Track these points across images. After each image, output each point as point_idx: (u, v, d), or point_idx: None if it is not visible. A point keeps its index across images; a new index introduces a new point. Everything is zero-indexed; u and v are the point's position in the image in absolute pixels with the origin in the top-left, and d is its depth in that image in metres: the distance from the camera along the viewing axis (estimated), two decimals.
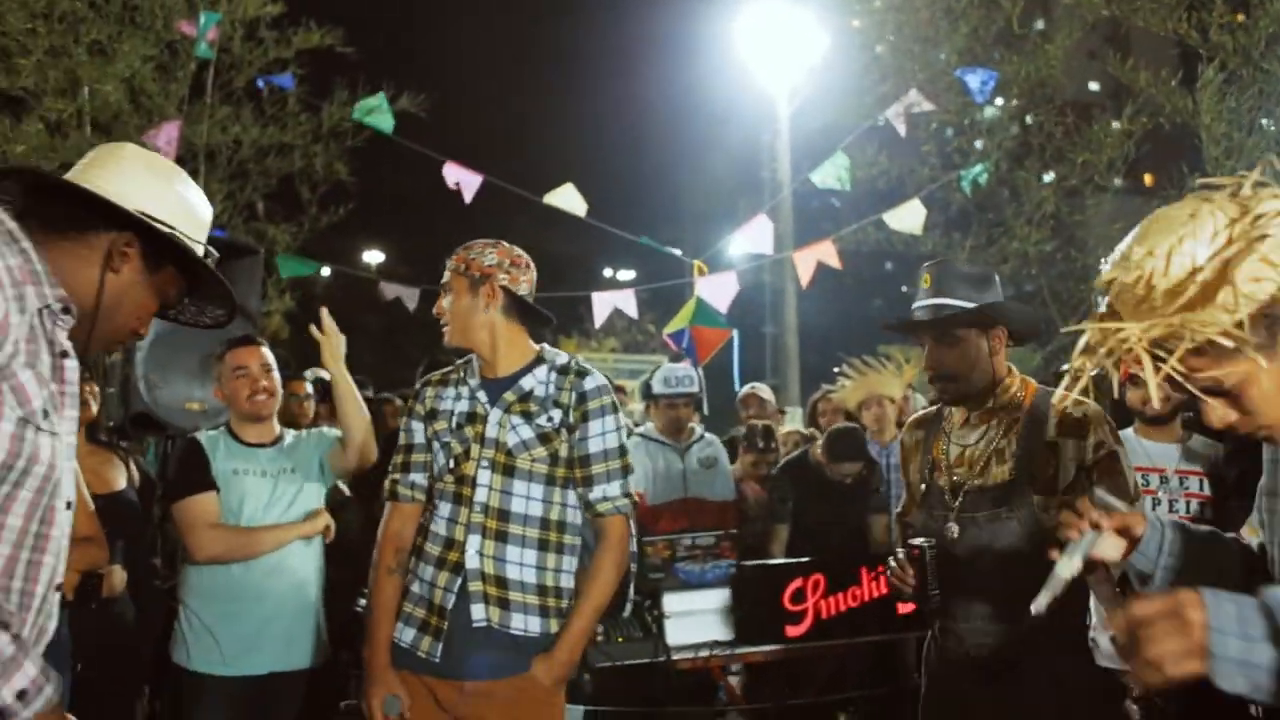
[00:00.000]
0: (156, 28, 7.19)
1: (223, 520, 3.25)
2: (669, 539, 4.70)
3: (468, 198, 6.92)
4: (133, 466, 3.83)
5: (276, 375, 3.45)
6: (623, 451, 2.68)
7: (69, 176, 1.58)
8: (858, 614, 4.32)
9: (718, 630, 4.26)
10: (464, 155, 7.03)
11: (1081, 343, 1.49)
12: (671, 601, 4.27)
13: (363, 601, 4.50)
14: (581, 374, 2.69)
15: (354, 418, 3.32)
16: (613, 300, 7.91)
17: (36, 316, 1.45)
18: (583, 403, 2.64)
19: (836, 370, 5.43)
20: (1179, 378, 1.43)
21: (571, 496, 2.67)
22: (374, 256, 20.32)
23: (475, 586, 2.57)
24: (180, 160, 6.64)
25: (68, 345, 1.52)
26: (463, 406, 2.70)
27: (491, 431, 2.63)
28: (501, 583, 2.57)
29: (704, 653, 4.18)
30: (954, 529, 2.58)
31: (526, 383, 2.68)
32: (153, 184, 1.61)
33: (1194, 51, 5.73)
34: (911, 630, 4.19)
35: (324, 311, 3.28)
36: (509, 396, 2.67)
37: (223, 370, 3.41)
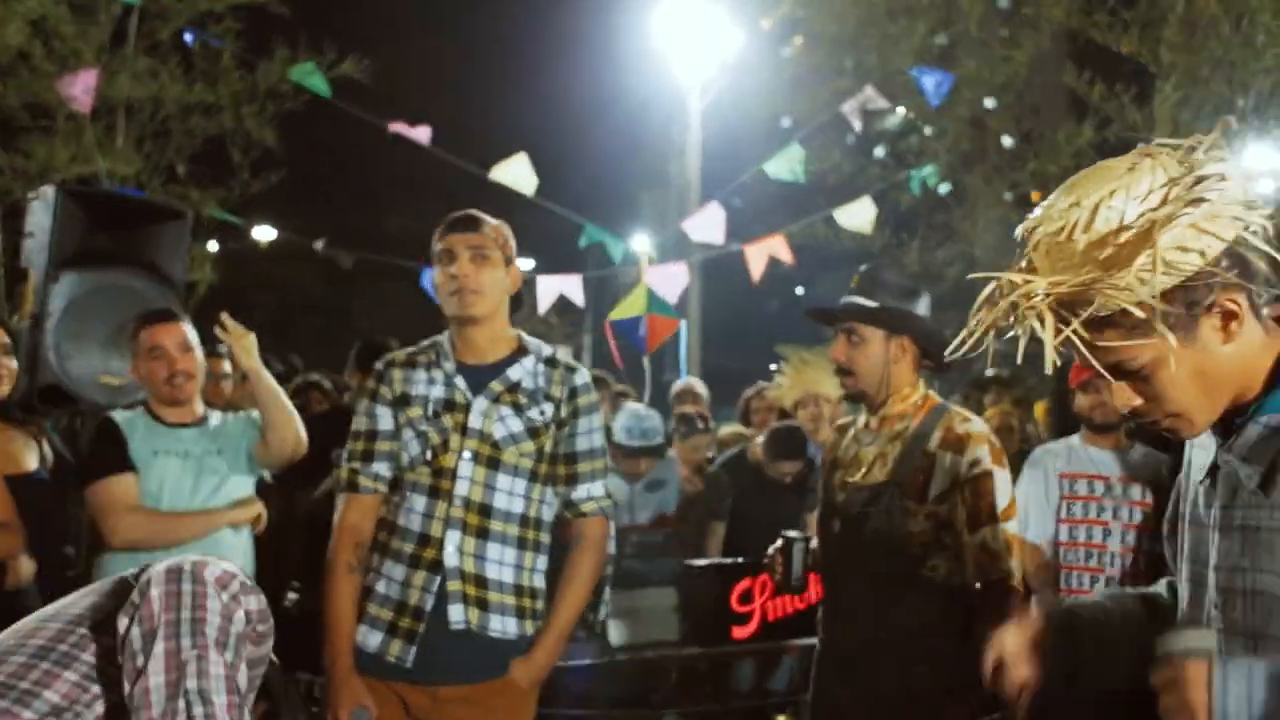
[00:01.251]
0: None
1: (142, 505, 3.02)
2: (618, 537, 4.59)
3: (424, 140, 6.61)
4: (45, 445, 3.51)
5: (198, 354, 3.18)
6: (605, 451, 2.62)
7: None
8: (805, 616, 4.27)
9: (662, 630, 4.17)
10: (399, 118, 6.77)
11: (985, 293, 1.35)
12: (616, 600, 4.16)
13: (292, 595, 4.27)
14: (571, 368, 2.59)
15: (278, 414, 3.11)
16: (559, 286, 7.70)
17: None
18: (574, 398, 2.55)
19: (773, 368, 5.38)
20: (1082, 348, 1.29)
21: (549, 494, 2.55)
22: (264, 234, 19.58)
23: (454, 586, 2.40)
24: (96, 113, 6.23)
25: None
26: (438, 393, 2.49)
27: (475, 422, 2.46)
28: (481, 582, 2.42)
29: (648, 653, 4.09)
30: (835, 525, 2.74)
31: (514, 373, 2.53)
32: None
33: (1145, 69, 5.84)
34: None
35: (224, 315, 3.13)
36: (496, 386, 2.51)
37: (137, 348, 3.13)
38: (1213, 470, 1.42)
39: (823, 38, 7.91)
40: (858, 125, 6.61)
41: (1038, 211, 1.36)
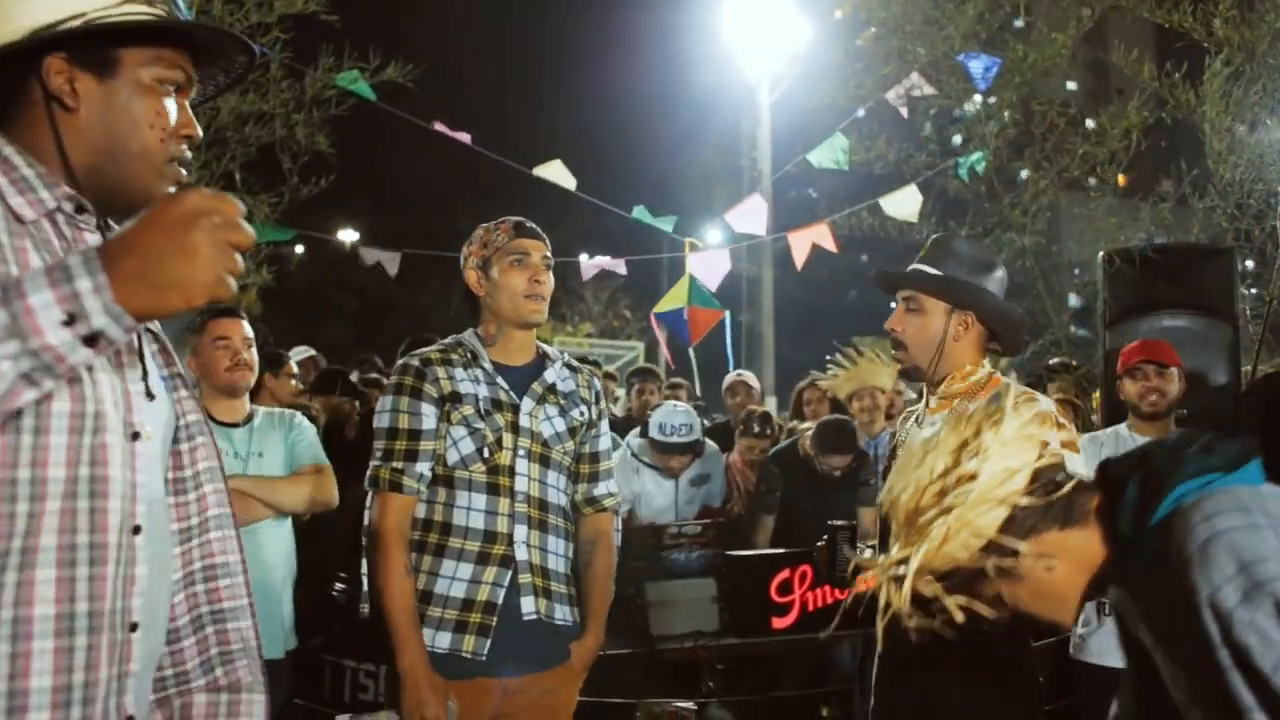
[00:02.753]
0: None
1: None
2: (654, 526, 4.62)
3: (465, 141, 6.73)
4: None
5: (255, 351, 3.37)
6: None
7: None
8: (844, 607, 4.26)
9: (702, 621, 4.20)
10: (451, 127, 6.88)
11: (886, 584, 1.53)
12: (655, 590, 4.20)
13: (339, 586, 4.41)
14: (587, 372, 2.75)
15: (286, 503, 3.27)
16: (599, 262, 7.79)
17: (47, 226, 1.23)
18: (599, 401, 2.72)
19: (829, 359, 5.36)
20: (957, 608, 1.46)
21: (572, 488, 2.69)
22: (349, 236, 20.06)
23: (525, 579, 2.49)
24: None
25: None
26: (484, 392, 2.54)
27: (524, 421, 2.55)
28: (545, 574, 2.53)
29: (688, 643, 4.12)
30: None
31: (549, 375, 2.65)
32: None
33: (1196, 47, 5.66)
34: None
35: None
36: (537, 387, 2.61)
37: (200, 342, 3.29)
38: None
39: (879, 25, 7.83)
40: (905, 112, 6.56)
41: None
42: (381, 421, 2.54)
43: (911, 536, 1.48)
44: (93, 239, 1.28)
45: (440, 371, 2.54)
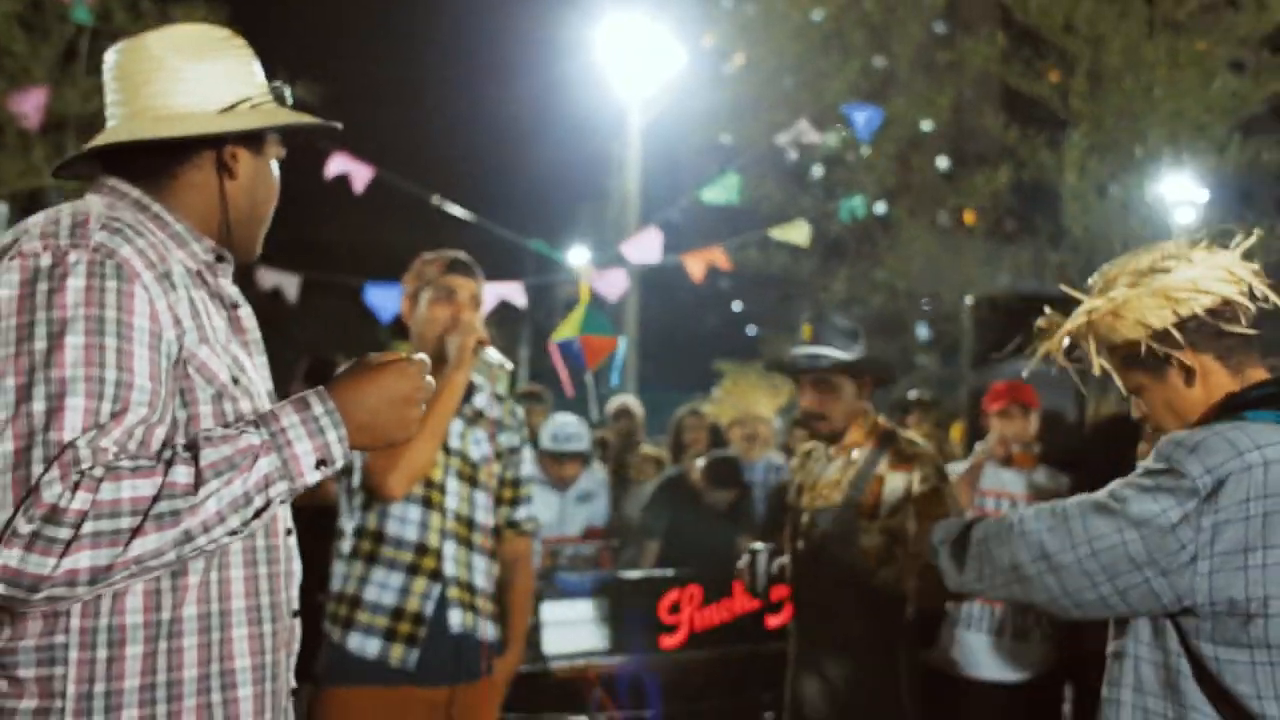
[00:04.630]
0: None
1: None
2: (550, 549, 4.75)
3: (359, 188, 6.77)
4: None
5: None
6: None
7: (126, 108, 1.44)
8: (730, 626, 4.49)
9: (594, 640, 4.34)
10: (343, 141, 6.87)
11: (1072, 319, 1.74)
12: (549, 610, 4.32)
13: None
14: (508, 401, 2.85)
15: None
16: (500, 292, 7.80)
17: (195, 279, 1.41)
18: (522, 429, 2.84)
19: (713, 387, 5.59)
20: (1116, 375, 1.73)
21: (495, 511, 2.79)
22: None
23: (453, 593, 2.58)
24: (45, 129, 6.26)
25: (236, 295, 1.51)
26: None
27: (454, 442, 2.65)
28: (471, 589, 2.62)
29: (579, 662, 4.25)
30: (800, 543, 3.02)
31: (479, 401, 2.75)
32: (211, 69, 1.46)
33: (1053, 114, 6.23)
34: (778, 642, 4.39)
35: None
36: (467, 411, 2.72)
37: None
38: None
39: (761, 68, 8.21)
40: (793, 156, 6.95)
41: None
42: None
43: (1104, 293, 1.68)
44: (227, 285, 1.50)
45: None
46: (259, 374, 1.48)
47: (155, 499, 1.17)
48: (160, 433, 1.27)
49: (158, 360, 1.28)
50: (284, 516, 1.48)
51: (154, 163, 1.43)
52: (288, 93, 1.54)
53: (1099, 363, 1.72)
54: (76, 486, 1.15)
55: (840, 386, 2.95)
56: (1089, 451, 5.20)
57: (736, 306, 21.47)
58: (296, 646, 1.51)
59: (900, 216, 7.08)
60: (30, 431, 1.17)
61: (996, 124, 6.42)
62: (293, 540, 1.51)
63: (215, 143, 1.44)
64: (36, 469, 1.16)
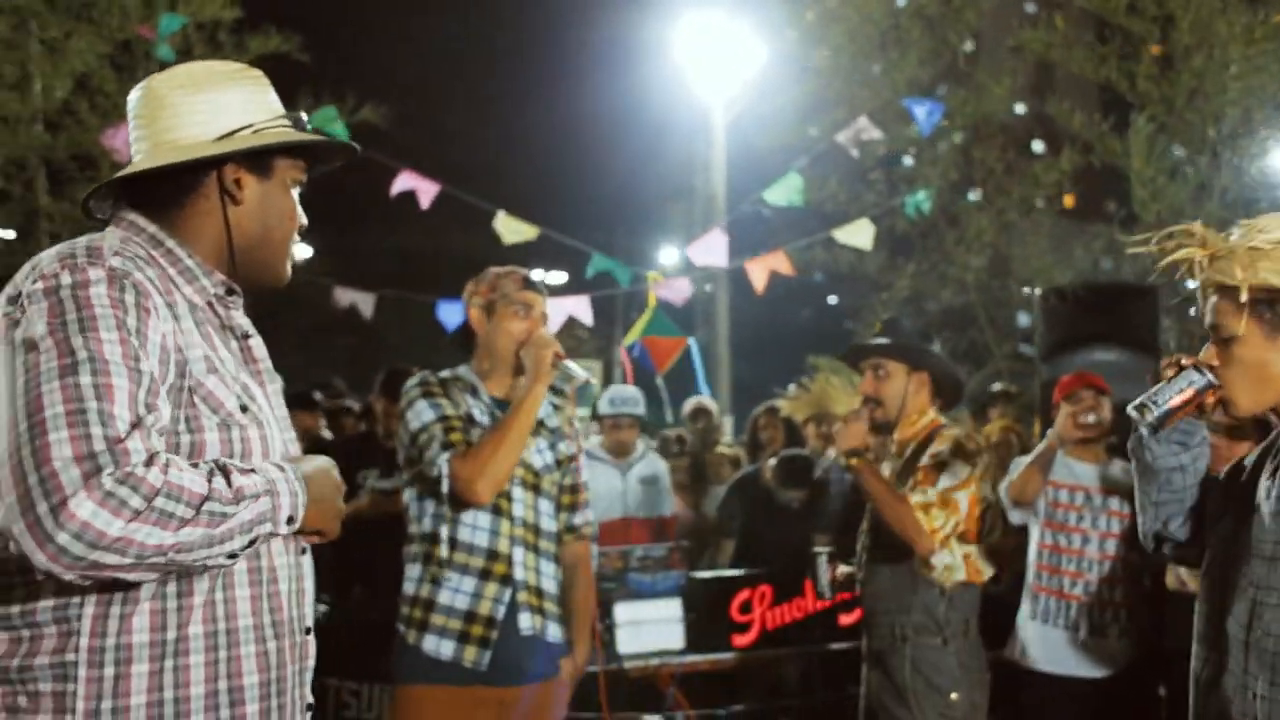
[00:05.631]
0: (112, 25, 7.12)
1: None
2: (622, 550, 4.84)
3: (425, 204, 6.99)
4: None
5: None
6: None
7: (143, 144, 1.52)
8: (802, 625, 4.52)
9: (667, 639, 4.41)
10: (412, 160, 7.09)
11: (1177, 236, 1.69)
12: (622, 611, 4.40)
13: (321, 608, 4.56)
14: (563, 408, 2.93)
15: None
16: (565, 307, 7.95)
17: (205, 313, 1.48)
18: (577, 437, 2.92)
19: (796, 384, 5.61)
20: (1208, 306, 1.65)
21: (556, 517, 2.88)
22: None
23: (523, 598, 2.68)
24: None
25: (247, 325, 1.57)
26: (486, 420, 2.73)
27: None
28: (539, 594, 2.73)
29: (653, 661, 4.33)
30: (864, 537, 3.16)
31: (540, 411, 2.79)
32: (213, 100, 1.51)
33: (1122, 98, 6.10)
34: (852, 640, 4.40)
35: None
36: None
37: None
38: (1276, 470, 1.72)
39: (822, 70, 8.21)
40: (854, 154, 6.94)
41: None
42: (425, 416, 2.67)
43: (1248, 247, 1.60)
44: (238, 316, 1.56)
45: (455, 393, 2.73)
46: (270, 402, 1.53)
47: (206, 498, 1.26)
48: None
49: (166, 376, 1.36)
50: (294, 537, 1.51)
51: (164, 194, 1.50)
52: (305, 119, 1.58)
53: (1186, 270, 1.62)
54: (151, 462, 1.23)
55: (894, 374, 3.07)
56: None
57: (832, 300, 21.20)
58: (311, 663, 1.55)
59: (967, 209, 7.01)
60: (81, 399, 1.23)
61: (1061, 110, 6.32)
62: (306, 559, 1.55)
63: (217, 169, 1.49)
64: (96, 430, 1.22)
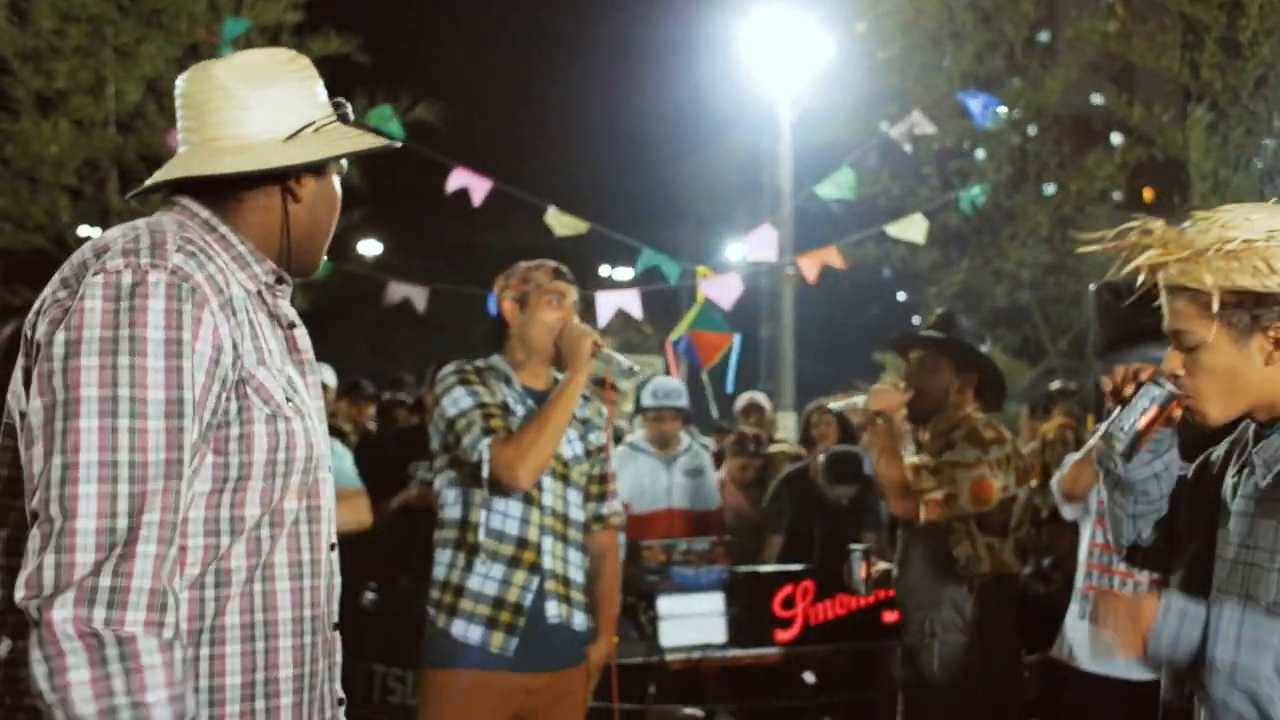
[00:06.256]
0: (180, 30, 7.39)
1: None
2: (665, 544, 4.87)
3: (477, 201, 7.12)
4: None
5: None
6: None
7: (196, 135, 1.50)
8: (844, 621, 4.51)
9: (710, 633, 4.44)
10: (470, 157, 7.21)
11: (1134, 234, 1.61)
12: (666, 604, 4.44)
13: (370, 595, 4.69)
14: (593, 400, 2.98)
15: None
16: (617, 300, 8.03)
17: (255, 301, 1.49)
18: (606, 428, 2.96)
19: (853, 383, 5.55)
20: (1166, 310, 1.59)
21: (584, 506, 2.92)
22: (371, 248, 20.15)
23: (551, 586, 2.72)
24: None
25: (293, 315, 1.58)
26: (520, 410, 2.78)
27: None
28: (567, 583, 2.77)
29: (696, 654, 4.36)
30: (900, 536, 3.21)
31: None
32: (276, 95, 1.50)
33: (1185, 91, 5.94)
34: (894, 638, 4.38)
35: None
36: None
37: None
38: (1243, 467, 1.68)
39: (887, 64, 8.13)
40: (908, 148, 6.87)
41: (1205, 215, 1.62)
42: (464, 403, 2.70)
43: (1206, 246, 1.52)
44: (285, 305, 1.57)
45: (491, 381, 2.77)
46: (310, 393, 1.55)
47: (146, 689, 1.22)
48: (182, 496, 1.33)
49: (209, 385, 1.36)
50: (327, 532, 1.54)
51: (222, 189, 1.50)
52: (350, 111, 1.58)
53: (1147, 280, 1.54)
54: (155, 625, 1.23)
55: (941, 369, 3.08)
56: (1215, 441, 4.95)
57: (901, 297, 20.93)
58: (339, 658, 1.57)
59: (1022, 204, 6.88)
60: (115, 446, 1.25)
61: (1119, 102, 6.17)
62: (335, 555, 1.57)
63: (282, 171, 1.50)
64: (122, 511, 1.24)
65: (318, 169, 1.54)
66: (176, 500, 1.30)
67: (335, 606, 1.56)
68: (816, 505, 5.13)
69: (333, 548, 1.56)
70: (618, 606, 2.97)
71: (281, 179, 1.51)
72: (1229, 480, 1.70)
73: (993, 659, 2.97)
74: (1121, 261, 1.60)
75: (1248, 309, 1.53)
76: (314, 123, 1.51)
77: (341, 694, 1.58)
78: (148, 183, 1.55)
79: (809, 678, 4.73)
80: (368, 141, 1.56)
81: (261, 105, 1.49)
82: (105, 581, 1.22)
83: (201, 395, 1.34)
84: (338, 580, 1.56)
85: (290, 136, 1.49)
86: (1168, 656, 1.62)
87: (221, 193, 1.50)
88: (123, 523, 1.24)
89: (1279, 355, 1.55)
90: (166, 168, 1.53)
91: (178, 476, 1.30)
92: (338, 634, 1.56)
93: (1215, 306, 1.52)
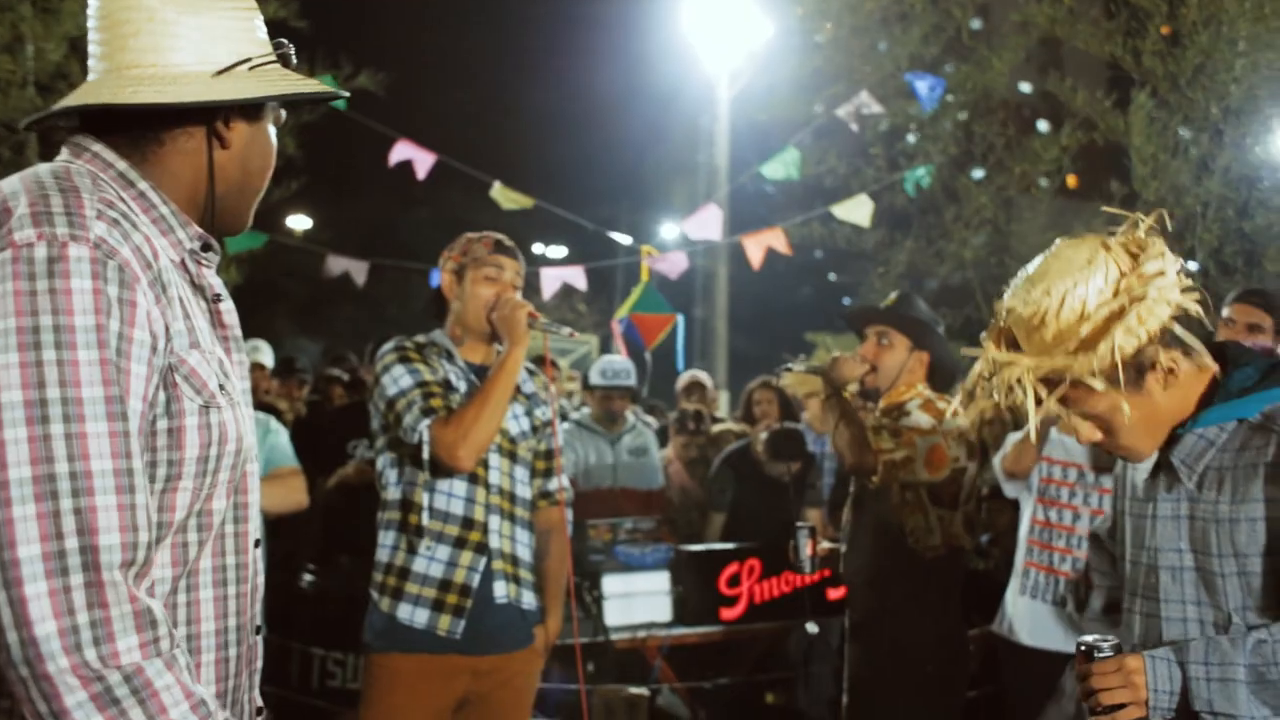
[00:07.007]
0: None
1: None
2: (611, 522, 4.84)
3: (421, 174, 6.96)
4: None
5: None
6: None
7: (110, 62, 1.30)
8: (789, 599, 4.53)
9: (655, 612, 4.42)
10: (410, 130, 7.05)
11: (976, 368, 1.69)
12: (611, 583, 4.41)
13: (308, 577, 4.58)
14: (538, 374, 2.92)
15: (264, 505, 3.29)
16: (561, 275, 7.97)
17: (180, 271, 1.31)
18: (551, 403, 2.90)
19: (785, 359, 5.57)
20: (1058, 407, 1.66)
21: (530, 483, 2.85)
22: (300, 222, 19.55)
23: (498, 565, 2.67)
24: None
25: (219, 286, 1.41)
26: (463, 386, 2.71)
27: None
28: (515, 561, 2.71)
29: (641, 633, 4.34)
30: (846, 513, 3.23)
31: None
32: (208, 24, 1.31)
33: (1127, 75, 6.04)
34: (839, 615, 4.40)
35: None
36: None
37: None
38: (1157, 469, 1.77)
39: (827, 44, 8.14)
40: (854, 128, 6.89)
41: (1009, 294, 1.71)
42: (403, 382, 2.62)
43: (1052, 348, 1.61)
44: (210, 275, 1.39)
45: (431, 358, 2.69)
46: (237, 372, 1.39)
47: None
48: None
49: (152, 377, 1.22)
50: (253, 529, 1.40)
51: (138, 125, 1.31)
52: (292, 54, 1.40)
53: (1040, 414, 1.61)
54: (147, 649, 1.13)
55: (897, 346, 3.11)
56: None
57: (833, 277, 21.13)
58: (259, 664, 1.45)
59: (966, 185, 6.97)
60: (50, 457, 1.09)
61: (1063, 87, 6.25)
62: (259, 552, 1.43)
63: (209, 109, 1.32)
64: (71, 548, 1.09)
65: (251, 112, 1.36)
66: (138, 516, 1.15)
67: (259, 609, 1.43)
68: (758, 483, 5.15)
69: (257, 544, 1.42)
70: (565, 584, 2.89)
71: (209, 119, 1.33)
72: (1161, 498, 1.76)
73: (942, 634, 2.98)
74: (1002, 398, 1.65)
75: (1131, 363, 1.62)
76: (250, 59, 1.33)
77: (260, 703, 1.47)
78: (48, 109, 1.35)
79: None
80: (309, 86, 1.38)
81: (191, 32, 1.29)
82: (83, 619, 1.09)
83: (144, 389, 1.18)
84: (261, 580, 1.43)
85: (221, 71, 1.31)
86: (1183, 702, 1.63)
87: (137, 132, 1.31)
88: (72, 543, 1.09)
89: (1173, 377, 1.65)
90: (74, 95, 1.32)
91: (131, 490, 1.14)
92: (260, 640, 1.45)
93: (1122, 383, 1.61)
